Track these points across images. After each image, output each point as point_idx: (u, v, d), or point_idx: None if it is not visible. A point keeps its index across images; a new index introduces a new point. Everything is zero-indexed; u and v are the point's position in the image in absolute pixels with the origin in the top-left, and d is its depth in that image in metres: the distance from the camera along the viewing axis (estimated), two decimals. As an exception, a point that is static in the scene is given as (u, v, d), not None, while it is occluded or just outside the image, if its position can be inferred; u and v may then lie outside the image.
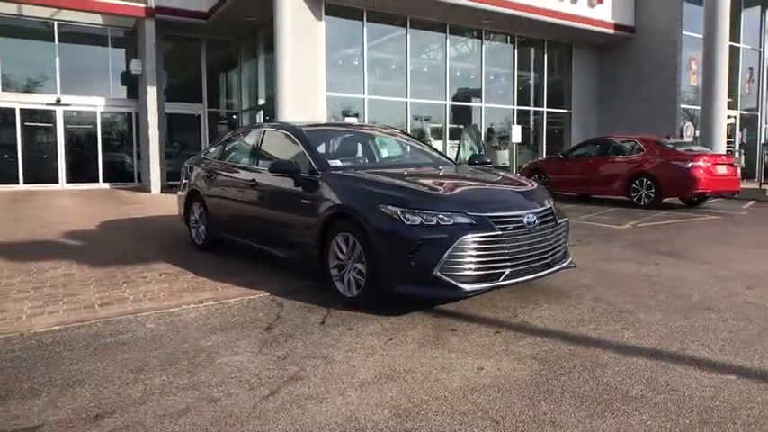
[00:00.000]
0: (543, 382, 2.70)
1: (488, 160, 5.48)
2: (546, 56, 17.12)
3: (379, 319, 3.65)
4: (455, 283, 3.48)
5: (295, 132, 4.97)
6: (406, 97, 14.35)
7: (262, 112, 15.91)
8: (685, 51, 15.88)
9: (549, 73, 17.21)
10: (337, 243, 4.01)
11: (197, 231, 6.15)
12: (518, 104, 16.71)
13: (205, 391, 2.63)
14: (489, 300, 4.06)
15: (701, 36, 15.65)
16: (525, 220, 3.76)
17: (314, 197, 4.26)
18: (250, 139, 5.66)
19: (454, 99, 15.32)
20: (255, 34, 15.33)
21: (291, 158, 4.65)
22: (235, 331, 3.48)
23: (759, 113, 18.09)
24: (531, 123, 17.37)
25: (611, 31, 16.18)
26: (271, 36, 15.14)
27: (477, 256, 3.53)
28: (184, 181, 6.49)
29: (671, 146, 10.78)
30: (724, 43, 14.73)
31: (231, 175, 5.54)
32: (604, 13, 15.94)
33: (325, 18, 12.74)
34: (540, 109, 17.18)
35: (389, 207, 3.65)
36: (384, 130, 6.12)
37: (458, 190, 4.11)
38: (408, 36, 14.29)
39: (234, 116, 17.28)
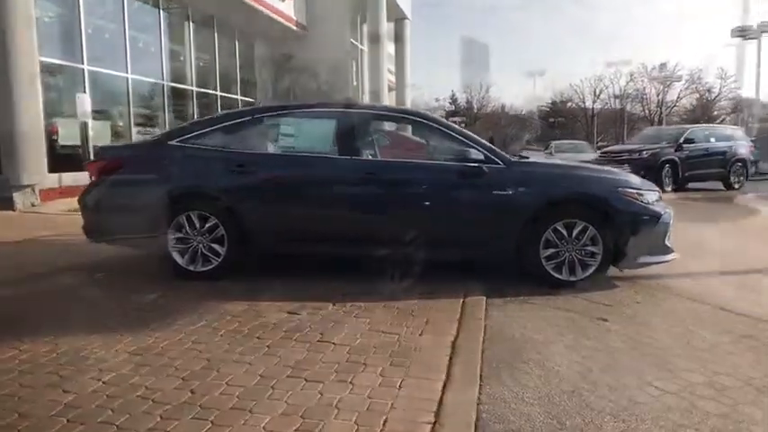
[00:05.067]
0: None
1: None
2: (237, 44, 16.86)
3: (619, 294, 4.10)
4: (672, 249, 4.32)
5: (434, 120, 4.53)
6: (127, 72, 11.75)
7: None
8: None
9: (240, 61, 17.04)
10: (556, 231, 4.09)
11: (193, 253, 4.27)
12: (221, 90, 15.94)
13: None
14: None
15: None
16: None
17: (514, 187, 4.11)
18: (326, 125, 4.47)
19: (172, 81, 13.40)
20: None
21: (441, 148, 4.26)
22: (588, 330, 3.32)
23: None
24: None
25: (294, 27, 17.36)
26: None
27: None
28: (154, 178, 4.32)
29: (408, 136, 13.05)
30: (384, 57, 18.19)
31: (307, 168, 4.34)
32: (289, 8, 16.94)
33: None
34: (235, 96, 16.87)
35: (628, 190, 4.12)
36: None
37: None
38: (125, 2, 11.67)
39: None
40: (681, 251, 4.36)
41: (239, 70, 17.06)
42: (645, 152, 12.89)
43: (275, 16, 16.09)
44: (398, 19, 22.33)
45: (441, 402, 2.36)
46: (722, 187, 13.25)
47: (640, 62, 50.59)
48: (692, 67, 46.88)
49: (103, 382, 2.53)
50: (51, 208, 8.39)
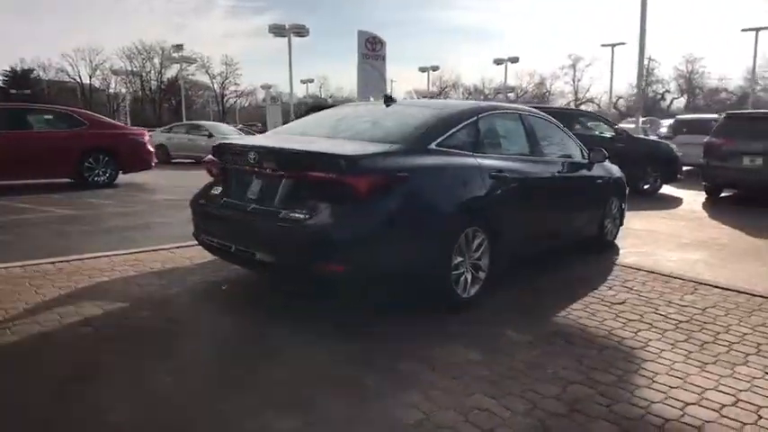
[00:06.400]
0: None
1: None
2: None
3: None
4: None
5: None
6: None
7: None
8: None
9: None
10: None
11: (464, 277, 3.62)
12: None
13: None
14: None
15: None
16: None
17: (598, 177, 5.47)
18: (513, 125, 4.55)
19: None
20: None
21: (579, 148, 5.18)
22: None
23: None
24: None
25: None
26: None
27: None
28: (438, 192, 3.53)
29: (110, 120, 11.41)
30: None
31: (537, 172, 4.51)
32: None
33: None
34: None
35: None
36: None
37: None
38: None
39: None
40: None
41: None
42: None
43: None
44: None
45: None
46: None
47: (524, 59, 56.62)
48: (564, 64, 53.61)
49: None
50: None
